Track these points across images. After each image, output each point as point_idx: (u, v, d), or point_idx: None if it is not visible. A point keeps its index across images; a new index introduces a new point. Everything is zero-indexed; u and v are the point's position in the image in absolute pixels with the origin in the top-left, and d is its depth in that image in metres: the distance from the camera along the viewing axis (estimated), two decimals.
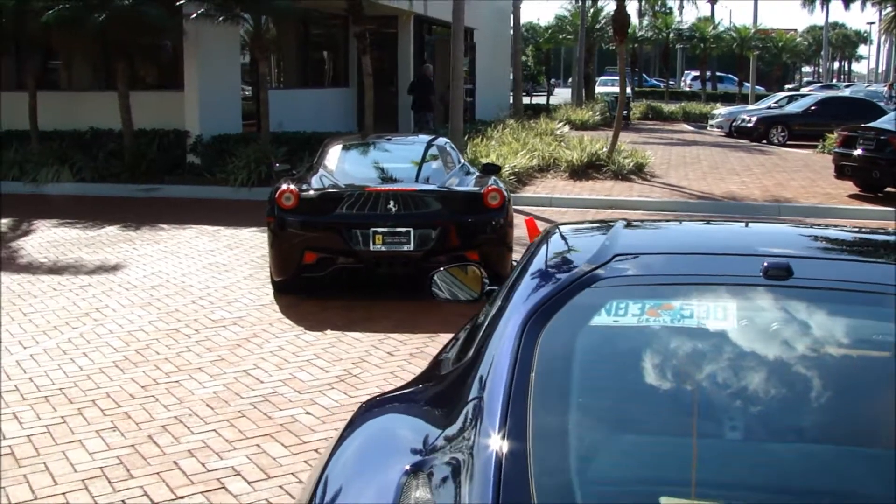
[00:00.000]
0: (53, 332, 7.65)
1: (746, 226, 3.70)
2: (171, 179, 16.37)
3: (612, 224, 3.30)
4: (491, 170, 10.59)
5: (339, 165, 9.50)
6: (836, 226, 3.59)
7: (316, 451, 5.22)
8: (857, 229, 3.51)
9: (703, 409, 2.26)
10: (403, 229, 8.47)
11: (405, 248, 8.48)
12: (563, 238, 3.23)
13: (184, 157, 17.08)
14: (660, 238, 3.31)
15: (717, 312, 2.51)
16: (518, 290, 2.70)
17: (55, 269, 9.99)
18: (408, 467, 2.13)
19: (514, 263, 4.57)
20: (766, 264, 2.60)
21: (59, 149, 16.68)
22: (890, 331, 2.49)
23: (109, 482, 4.83)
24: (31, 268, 10.06)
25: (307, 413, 5.81)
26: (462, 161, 10.34)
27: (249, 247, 11.26)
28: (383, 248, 8.47)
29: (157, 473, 4.93)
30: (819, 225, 3.79)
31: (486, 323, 2.69)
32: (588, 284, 2.60)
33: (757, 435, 2.21)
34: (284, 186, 8.77)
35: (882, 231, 3.58)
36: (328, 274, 8.81)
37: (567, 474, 2.00)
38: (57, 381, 6.44)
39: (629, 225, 3.28)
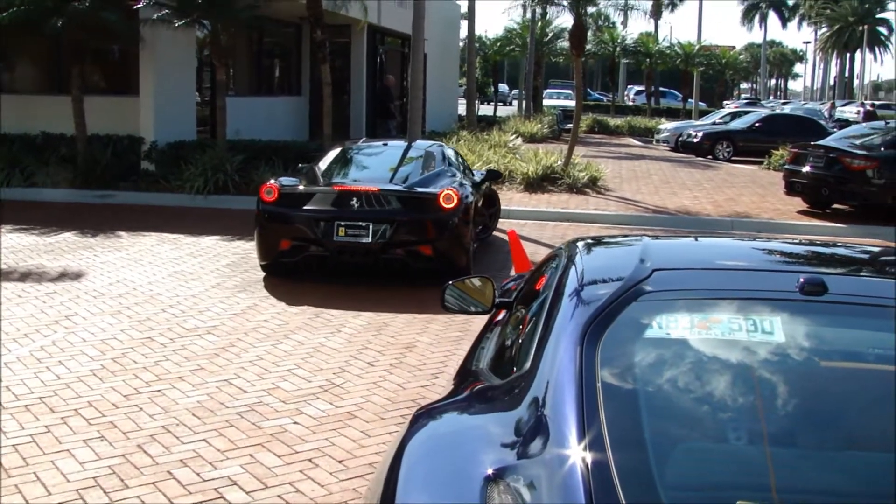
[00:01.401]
0: (24, 339, 7.55)
1: (764, 242, 3.82)
2: (126, 186, 16.17)
3: (636, 239, 3.40)
4: (494, 175, 12.70)
5: (330, 165, 10.70)
6: (846, 244, 3.74)
7: (310, 460, 5.23)
8: (868, 247, 3.65)
9: (767, 417, 2.35)
10: (363, 223, 9.47)
11: (364, 239, 9.47)
12: (591, 253, 3.31)
13: (138, 164, 16.90)
14: (690, 254, 3.41)
15: (764, 326, 2.60)
16: (562, 306, 2.77)
17: (17, 276, 9.84)
18: (490, 472, 2.17)
19: (520, 276, 4.63)
20: (801, 280, 2.71)
21: (8, 153, 16.38)
22: None
23: (105, 492, 4.79)
24: None
25: (295, 423, 5.82)
26: (449, 165, 11.05)
27: (213, 255, 11.20)
28: (345, 239, 9.49)
29: (153, 483, 4.90)
30: (831, 243, 3.93)
31: (536, 337, 2.74)
32: (634, 299, 2.68)
33: (819, 443, 2.31)
34: (268, 183, 9.99)
35: (887, 248, 3.72)
36: (301, 260, 9.82)
37: (651, 482, 2.07)
38: (35, 389, 6.36)
39: (655, 240, 3.37)
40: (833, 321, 2.72)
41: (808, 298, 2.67)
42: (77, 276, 9.93)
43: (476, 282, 4.18)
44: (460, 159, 12.18)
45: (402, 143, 12.60)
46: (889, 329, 2.71)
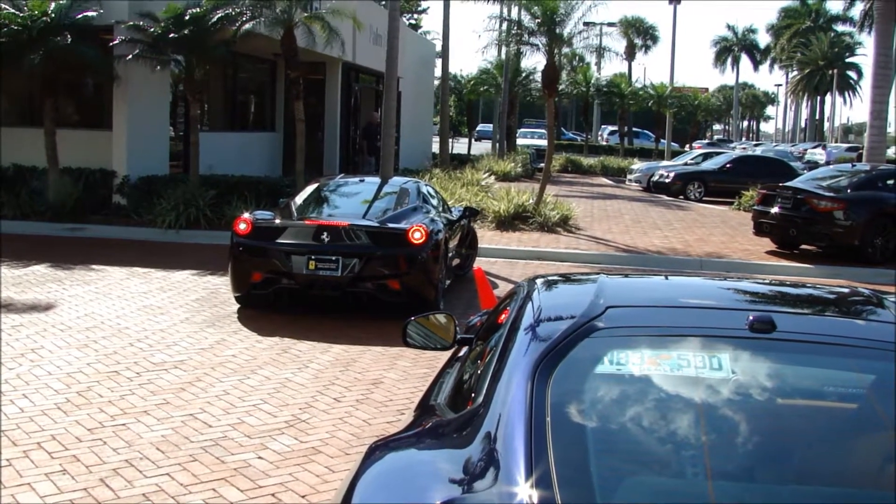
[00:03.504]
0: None
1: (720, 281, 3.90)
2: (97, 220, 16.15)
3: (593, 277, 3.46)
4: (471, 213, 13.09)
5: (306, 200, 10.85)
6: (801, 283, 3.81)
7: (273, 495, 5.23)
8: (831, 287, 3.73)
9: (712, 451, 2.40)
10: (333, 257, 9.60)
11: (333, 273, 9.60)
12: (549, 290, 3.36)
13: (110, 198, 16.87)
14: (644, 291, 3.48)
15: (713, 363, 2.66)
16: (517, 341, 2.81)
17: None
18: (439, 503, 2.20)
19: (498, 306, 4.67)
20: (751, 318, 2.77)
21: None
22: (869, 381, 2.70)
23: None
24: None
25: (260, 458, 5.81)
26: (424, 201, 11.20)
27: (183, 290, 11.18)
28: (316, 273, 9.61)
29: None
30: (784, 282, 4.00)
31: (490, 372, 2.78)
32: (587, 335, 2.74)
33: (762, 477, 2.36)
34: (242, 216, 10.16)
35: (846, 289, 3.81)
36: (273, 292, 10.00)
37: None
38: None
39: (611, 278, 3.44)
40: (781, 358, 2.78)
41: (757, 336, 2.73)
42: (45, 308, 9.88)
43: (440, 318, 4.22)
44: (438, 196, 12.29)
45: (377, 180, 12.69)
46: (835, 367, 2.78)
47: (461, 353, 4.11)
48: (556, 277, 3.68)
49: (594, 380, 2.63)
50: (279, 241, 9.78)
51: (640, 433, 2.49)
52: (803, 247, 16.32)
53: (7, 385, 7.17)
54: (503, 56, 35.88)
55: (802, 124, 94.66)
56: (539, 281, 3.51)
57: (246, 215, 10.13)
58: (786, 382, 2.77)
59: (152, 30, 15.86)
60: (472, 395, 2.87)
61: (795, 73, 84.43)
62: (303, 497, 5.24)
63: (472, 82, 44.62)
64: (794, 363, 2.80)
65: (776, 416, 2.63)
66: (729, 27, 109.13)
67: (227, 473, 5.54)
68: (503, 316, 3.42)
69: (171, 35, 15.82)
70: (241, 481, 5.43)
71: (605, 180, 35.02)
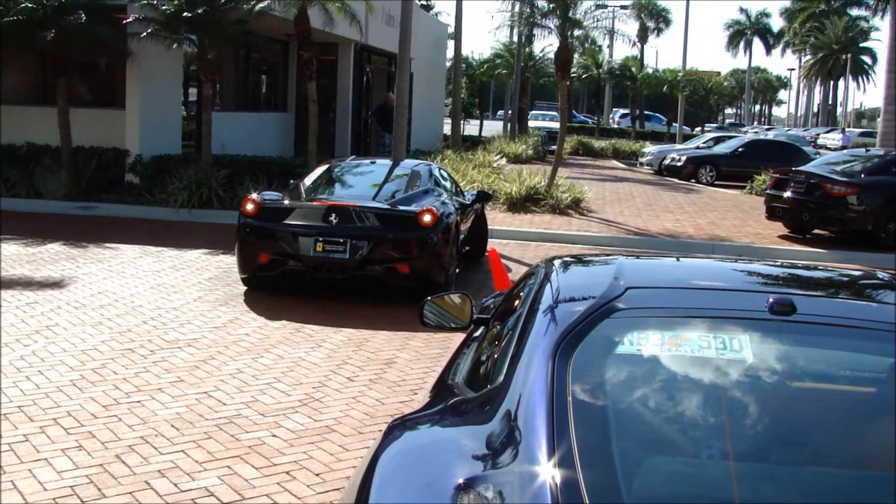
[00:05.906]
0: (4, 349, 7.54)
1: (738, 263, 3.90)
2: (110, 198, 16.18)
3: (611, 258, 3.46)
4: (485, 197, 12.59)
5: (315, 181, 10.76)
6: (819, 266, 3.82)
7: (288, 473, 5.26)
8: (845, 270, 3.73)
9: (733, 433, 2.41)
10: (341, 239, 9.45)
11: (341, 255, 9.45)
12: (567, 271, 3.37)
13: (122, 176, 16.90)
14: (663, 273, 3.48)
15: (733, 345, 2.67)
16: (536, 322, 2.82)
17: None
18: (461, 481, 2.21)
19: (505, 290, 4.68)
20: (771, 300, 2.77)
21: None
22: (889, 364, 2.70)
23: (82, 501, 4.81)
24: None
25: (274, 436, 5.85)
26: (436, 184, 11.06)
27: (195, 269, 11.21)
28: (323, 255, 9.47)
29: (130, 493, 4.91)
30: (802, 265, 4.00)
31: (509, 352, 2.79)
32: (607, 315, 2.74)
33: (782, 459, 2.37)
34: (249, 196, 10.03)
35: (864, 272, 3.81)
36: (280, 274, 9.86)
37: (618, 496, 2.11)
38: (15, 398, 6.36)
39: (629, 259, 3.44)
40: (801, 340, 2.78)
41: (777, 318, 2.73)
42: (59, 286, 9.93)
43: (455, 298, 4.23)
44: (450, 179, 12.20)
45: (388, 162, 12.61)
46: (856, 349, 2.78)
47: (477, 334, 4.12)
48: (573, 259, 3.68)
49: (615, 360, 2.64)
50: (287, 222, 9.64)
51: (661, 414, 2.50)
52: (816, 231, 16.29)
53: (23, 361, 7.21)
54: (516, 38, 35.78)
55: (815, 109, 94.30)
56: (557, 262, 3.51)
57: (253, 196, 10.01)
58: (806, 365, 2.78)
59: (165, 8, 15.85)
60: (492, 374, 2.88)
61: (809, 57, 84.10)
62: (317, 475, 5.27)
63: (484, 64, 44.54)
64: (815, 345, 2.81)
65: (795, 398, 2.63)
66: (742, 10, 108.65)
67: (242, 451, 5.57)
68: (520, 297, 3.42)
69: (185, 14, 15.80)
70: (255, 459, 5.46)
71: (616, 163, 34.93)
